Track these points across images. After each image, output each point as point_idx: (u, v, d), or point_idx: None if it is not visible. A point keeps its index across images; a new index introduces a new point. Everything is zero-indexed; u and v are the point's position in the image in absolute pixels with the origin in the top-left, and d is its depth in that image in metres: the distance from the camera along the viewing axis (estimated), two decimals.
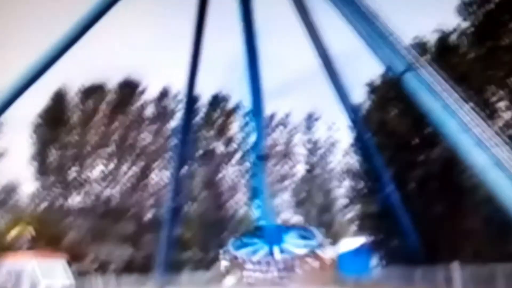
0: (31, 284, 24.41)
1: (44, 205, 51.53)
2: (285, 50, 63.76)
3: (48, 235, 35.11)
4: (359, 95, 48.12)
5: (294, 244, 40.98)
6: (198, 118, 56.77)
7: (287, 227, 44.11)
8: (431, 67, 23.16)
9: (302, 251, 39.97)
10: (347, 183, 53.98)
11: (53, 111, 53.64)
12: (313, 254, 39.19)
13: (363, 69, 44.38)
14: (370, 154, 42.36)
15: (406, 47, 24.22)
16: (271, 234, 40.89)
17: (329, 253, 43.02)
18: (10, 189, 52.81)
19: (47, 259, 26.22)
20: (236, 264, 38.43)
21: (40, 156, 52.91)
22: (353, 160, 52.47)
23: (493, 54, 33.53)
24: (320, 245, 41.45)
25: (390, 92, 38.86)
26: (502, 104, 34.42)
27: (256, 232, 42.83)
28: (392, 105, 41.10)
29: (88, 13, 31.61)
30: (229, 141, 57.63)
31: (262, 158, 43.21)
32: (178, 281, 41.85)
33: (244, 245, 42.03)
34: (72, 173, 53.06)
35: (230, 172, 56.94)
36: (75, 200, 52.56)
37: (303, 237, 42.12)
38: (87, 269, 36.41)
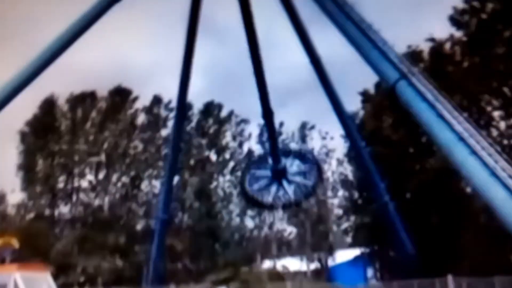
0: None
1: (30, 215, 50.55)
2: (278, 59, 63.41)
3: (34, 247, 34.32)
4: (354, 104, 47.92)
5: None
6: (190, 127, 56.23)
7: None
8: (424, 76, 22.65)
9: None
10: (341, 193, 53.61)
11: (42, 120, 52.88)
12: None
13: (357, 78, 44.15)
14: (364, 164, 41.89)
15: (399, 56, 23.69)
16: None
17: None
18: None
19: (32, 272, 25.34)
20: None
21: (27, 165, 51.95)
22: (348, 170, 52.17)
23: (487, 63, 33.20)
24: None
25: (385, 101, 38.52)
26: (496, 114, 34.05)
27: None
28: (387, 114, 40.76)
29: (79, 19, 30.94)
30: (222, 150, 56.95)
31: None
32: None
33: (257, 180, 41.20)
34: (60, 182, 52.12)
35: (222, 182, 56.24)
36: (63, 210, 51.64)
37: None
38: (74, 281, 35.61)
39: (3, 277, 23.90)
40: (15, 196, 52.09)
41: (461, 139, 20.24)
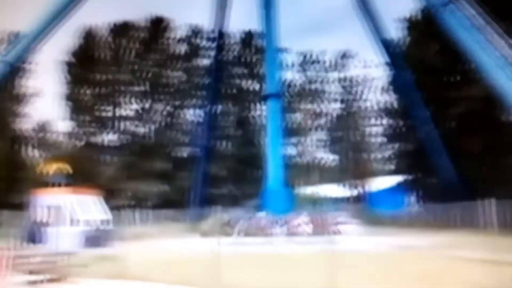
0: (70, 220, 25.12)
1: (80, 143, 52.25)
2: None
3: (84, 173, 36.05)
4: (397, 31, 46.73)
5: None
6: (231, 57, 56.17)
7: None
8: (471, 1, 21.92)
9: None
10: (384, 121, 53.39)
11: (85, 50, 53.40)
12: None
13: (400, 4, 42.82)
14: (408, 92, 41.46)
15: None
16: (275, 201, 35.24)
17: None
18: (46, 128, 53.57)
19: (84, 195, 26.86)
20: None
21: (74, 95, 53.12)
22: (391, 98, 51.63)
23: None
24: None
25: (430, 27, 37.52)
26: None
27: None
28: (433, 41, 39.77)
29: None
30: (262, 80, 56.94)
31: (275, 97, 38.44)
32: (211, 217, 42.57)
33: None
34: (106, 112, 53.40)
35: (264, 111, 56.57)
36: (110, 138, 53.15)
37: None
38: (123, 205, 37.38)
39: (58, 199, 25.47)
40: (65, 125, 53.86)
41: (508, 64, 19.84)
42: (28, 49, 33.34)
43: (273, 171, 36.97)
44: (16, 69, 36.57)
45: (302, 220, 31.81)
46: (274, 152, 37.49)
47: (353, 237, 28.08)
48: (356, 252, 18.84)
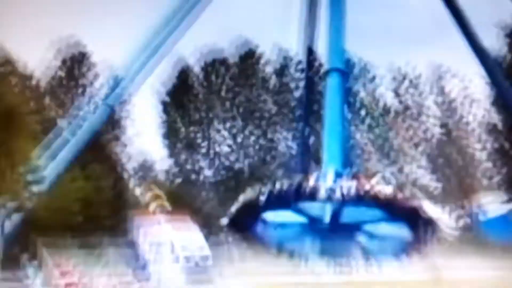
0: (171, 256, 25.38)
1: (178, 180, 53.77)
2: None
3: (183, 209, 36.63)
4: (498, 45, 44.10)
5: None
6: (322, 86, 55.57)
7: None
8: None
9: None
10: (489, 144, 50.45)
11: (179, 89, 55.30)
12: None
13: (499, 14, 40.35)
14: None
15: None
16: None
17: None
18: (147, 167, 55.60)
19: (184, 231, 27.10)
20: None
21: (170, 133, 55.07)
22: (496, 120, 48.68)
23: None
24: None
25: None
26: None
27: None
28: None
29: None
30: (358, 108, 55.79)
31: (338, 72, 34.05)
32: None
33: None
34: (202, 148, 54.66)
35: (360, 139, 55.07)
36: (206, 174, 54.21)
37: None
38: (222, 241, 37.47)
39: (160, 236, 25.86)
40: (164, 162, 55.87)
41: None
42: (126, 91, 34.86)
43: (331, 156, 32.11)
44: (116, 111, 38.36)
45: (377, 181, 27.79)
46: (332, 133, 33.09)
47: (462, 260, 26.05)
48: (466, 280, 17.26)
